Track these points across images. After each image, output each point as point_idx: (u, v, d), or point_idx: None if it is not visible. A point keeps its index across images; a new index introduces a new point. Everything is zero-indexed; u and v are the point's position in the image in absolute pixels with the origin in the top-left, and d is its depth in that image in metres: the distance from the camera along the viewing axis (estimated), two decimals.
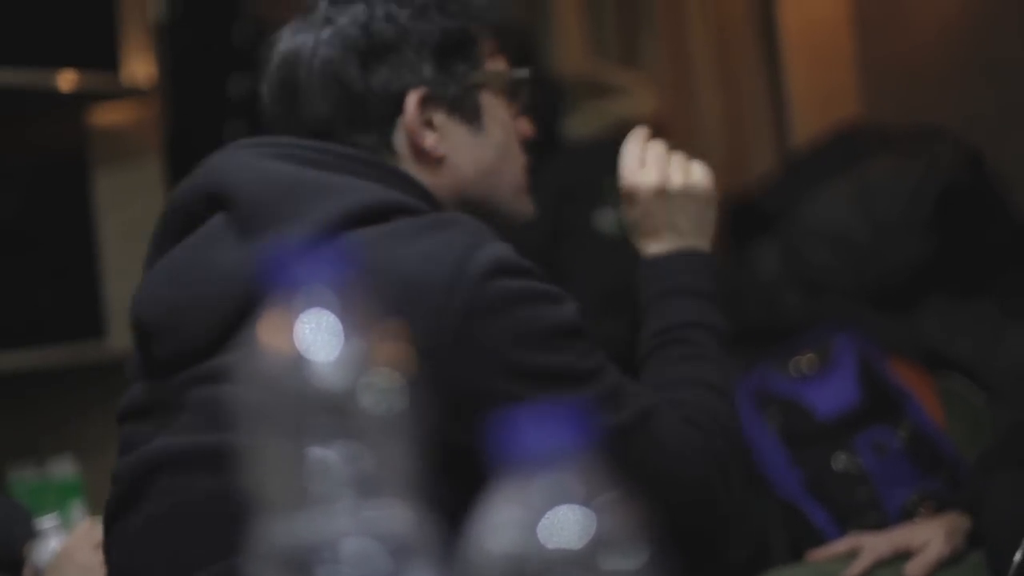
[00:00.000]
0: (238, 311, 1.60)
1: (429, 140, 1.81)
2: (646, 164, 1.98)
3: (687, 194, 1.97)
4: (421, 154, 1.81)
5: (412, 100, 1.79)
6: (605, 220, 3.63)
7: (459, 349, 1.58)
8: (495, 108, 1.88)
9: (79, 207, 3.63)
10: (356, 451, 0.82)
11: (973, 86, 4.23)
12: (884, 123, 4.17)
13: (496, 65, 1.89)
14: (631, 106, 3.90)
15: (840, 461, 3.28)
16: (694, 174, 1.99)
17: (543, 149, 3.70)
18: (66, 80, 3.45)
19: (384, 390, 0.83)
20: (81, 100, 3.62)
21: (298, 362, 0.82)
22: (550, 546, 0.78)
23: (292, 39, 1.83)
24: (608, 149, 3.75)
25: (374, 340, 0.84)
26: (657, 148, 1.99)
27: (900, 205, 3.68)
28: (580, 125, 3.77)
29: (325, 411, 0.82)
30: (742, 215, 4.08)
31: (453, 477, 1.29)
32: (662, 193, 1.96)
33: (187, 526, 1.62)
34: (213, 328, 1.64)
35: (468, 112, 1.84)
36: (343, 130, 1.80)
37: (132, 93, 3.64)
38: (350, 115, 1.80)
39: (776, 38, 4.65)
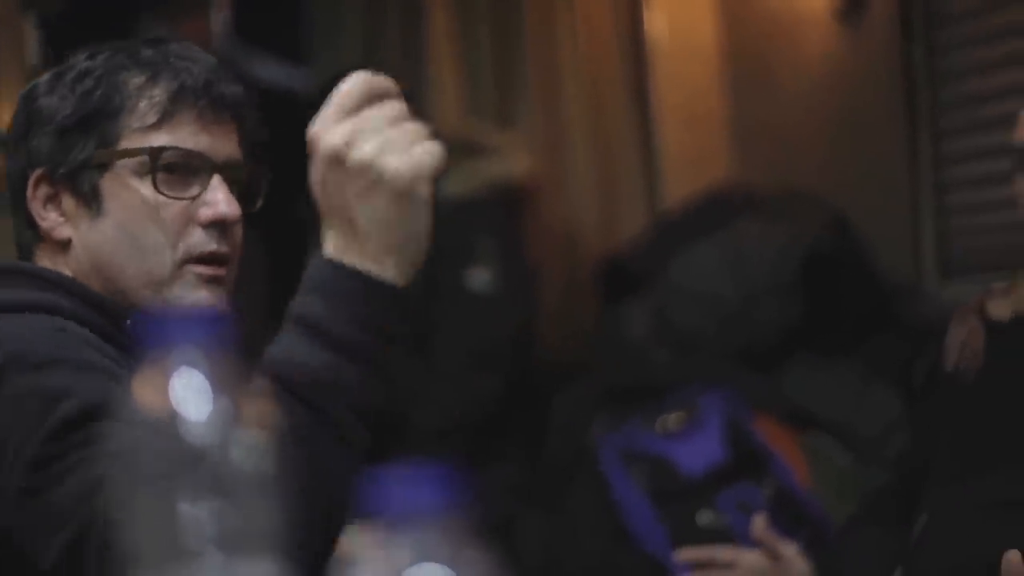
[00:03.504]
0: None
1: (46, 222, 1.71)
2: (345, 116, 1.46)
3: (373, 178, 1.44)
4: (48, 236, 1.71)
5: (31, 179, 1.70)
6: (478, 279, 3.65)
7: None
8: (126, 190, 1.68)
9: None
10: (224, 507, 0.84)
11: (839, 151, 4.30)
12: (754, 186, 4.22)
13: (140, 141, 1.68)
14: (504, 166, 3.93)
15: (705, 517, 3.32)
16: (401, 157, 1.44)
17: None
18: None
19: (252, 448, 0.85)
20: None
21: (168, 420, 0.84)
22: None
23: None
24: (481, 209, 3.80)
25: (242, 400, 0.86)
26: (383, 106, 1.48)
27: (767, 268, 3.72)
28: (454, 184, 3.79)
29: (193, 468, 0.84)
30: (613, 275, 4.12)
31: None
32: (337, 162, 1.45)
33: None
34: None
35: (86, 194, 1.69)
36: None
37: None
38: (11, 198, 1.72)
39: (649, 101, 4.70)
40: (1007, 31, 3.83)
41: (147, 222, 1.67)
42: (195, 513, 0.84)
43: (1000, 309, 2.59)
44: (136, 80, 1.69)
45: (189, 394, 0.85)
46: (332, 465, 1.42)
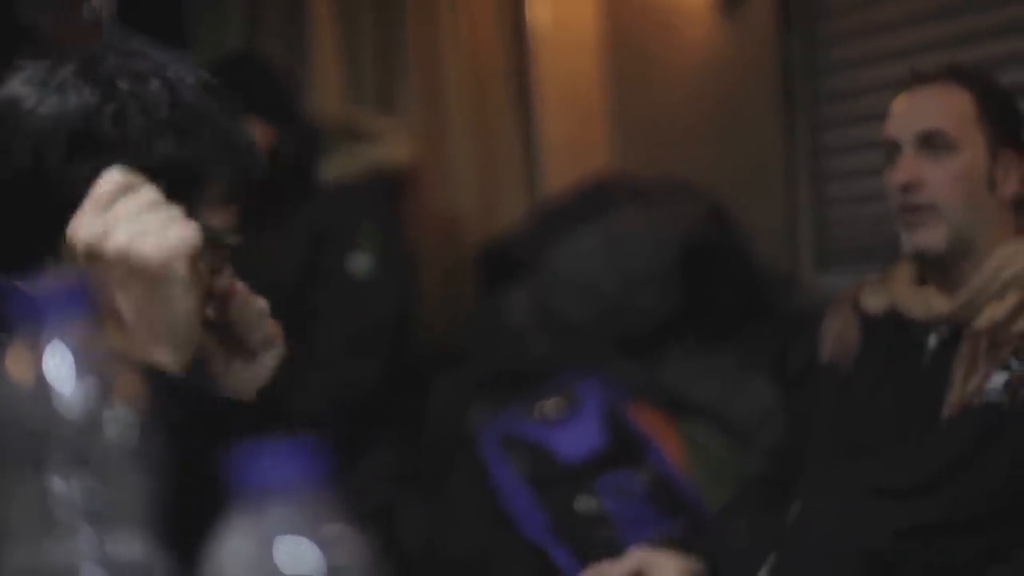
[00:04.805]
0: None
1: None
2: (100, 211, 1.42)
3: (131, 267, 1.40)
4: None
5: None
6: (358, 263, 3.63)
7: None
8: None
9: None
10: (94, 482, 0.83)
11: (718, 141, 4.34)
12: (634, 175, 4.25)
13: (214, 217, 1.58)
14: (385, 152, 3.92)
15: (583, 503, 3.34)
16: (155, 241, 1.41)
17: (298, 192, 3.70)
18: None
19: (122, 423, 0.85)
20: None
21: (38, 394, 0.83)
22: None
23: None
24: (362, 194, 3.79)
25: (113, 374, 0.85)
26: (136, 196, 1.44)
27: (646, 256, 3.75)
28: (335, 169, 3.78)
29: (64, 442, 0.83)
30: (493, 261, 4.13)
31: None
32: (94, 256, 1.41)
33: None
34: None
35: None
36: None
37: None
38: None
39: (530, 90, 4.71)
40: (885, 26, 3.88)
41: None
42: (66, 488, 0.83)
43: (873, 300, 2.62)
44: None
45: (59, 368, 0.84)
46: None
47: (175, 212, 1.43)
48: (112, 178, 1.44)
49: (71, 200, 1.46)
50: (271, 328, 1.59)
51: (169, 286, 1.40)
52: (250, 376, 1.59)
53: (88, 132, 1.50)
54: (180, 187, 1.50)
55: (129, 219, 1.41)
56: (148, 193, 1.44)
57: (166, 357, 1.41)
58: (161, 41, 1.67)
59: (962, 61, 2.77)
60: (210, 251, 1.51)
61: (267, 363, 1.59)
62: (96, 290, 1.21)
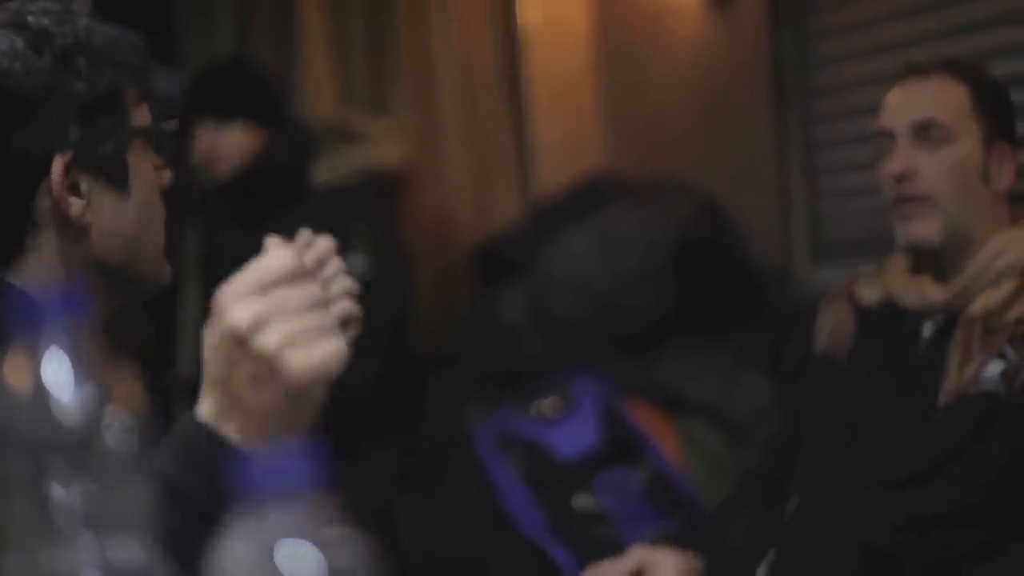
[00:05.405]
0: None
1: (75, 208, 1.61)
2: (257, 293, 1.35)
3: (271, 370, 1.33)
4: (65, 223, 1.61)
5: (58, 166, 1.58)
6: (351, 265, 3.63)
7: None
8: (141, 166, 1.66)
9: None
10: (94, 489, 0.83)
11: (711, 138, 4.34)
12: (627, 174, 4.25)
13: (141, 117, 1.66)
14: (378, 153, 3.92)
15: (580, 501, 3.34)
16: (305, 354, 1.33)
17: (291, 194, 3.70)
18: None
19: (122, 430, 0.85)
20: None
21: (38, 401, 0.83)
22: None
23: None
24: (355, 195, 3.79)
25: (112, 381, 0.86)
26: (297, 289, 1.36)
27: (640, 254, 3.75)
28: (327, 171, 3.78)
29: (64, 449, 0.83)
30: (488, 261, 4.13)
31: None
32: (239, 343, 1.34)
33: None
34: None
35: (116, 175, 1.64)
36: None
37: None
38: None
39: (522, 89, 4.71)
40: (874, 20, 3.88)
41: (157, 194, 1.69)
42: (66, 495, 0.83)
43: (869, 292, 2.63)
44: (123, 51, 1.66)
45: (58, 375, 0.85)
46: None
47: (328, 322, 1.37)
48: (281, 259, 1.37)
49: (18, 163, 1.51)
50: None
51: (304, 401, 1.37)
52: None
53: (4, 92, 1.54)
54: (102, 102, 1.57)
55: (284, 316, 1.33)
56: (310, 290, 1.37)
57: (259, 444, 1.36)
58: (151, 45, 1.68)
59: (952, 54, 2.78)
60: (155, 148, 1.61)
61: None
62: (224, 371, 1.32)
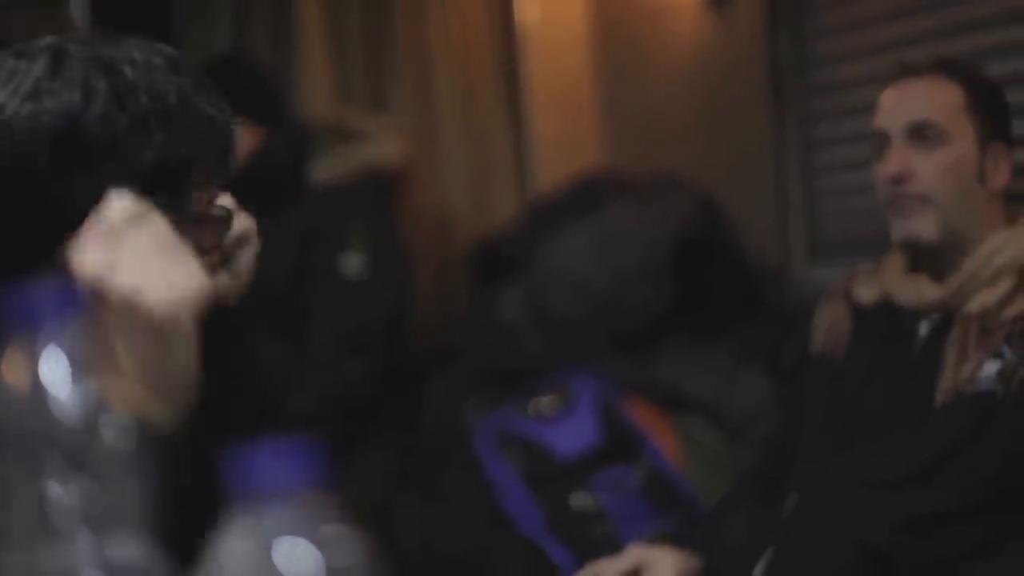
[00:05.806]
0: None
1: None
2: (105, 238, 1.35)
3: (131, 313, 1.30)
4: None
5: None
6: (350, 263, 3.63)
7: None
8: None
9: None
10: (92, 486, 0.83)
11: (709, 136, 4.34)
12: (624, 171, 4.25)
13: (200, 200, 1.53)
14: (376, 151, 3.92)
15: (579, 499, 3.34)
16: (162, 286, 1.32)
17: (289, 193, 3.70)
18: None
19: (120, 427, 0.85)
20: None
21: (35, 398, 0.84)
22: None
23: None
24: (353, 193, 3.79)
25: (110, 379, 0.86)
26: (146, 230, 1.37)
27: (638, 252, 3.75)
28: (326, 169, 3.77)
29: (61, 447, 0.83)
30: (486, 259, 4.13)
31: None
32: (99, 286, 1.32)
33: None
34: None
35: None
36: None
37: None
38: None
39: (520, 87, 4.72)
40: (871, 20, 3.89)
41: None
42: (64, 492, 0.83)
43: (866, 290, 2.63)
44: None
45: (56, 373, 0.85)
46: None
47: (185, 254, 1.36)
48: (121, 206, 1.37)
49: (69, 208, 1.39)
50: (245, 225, 1.57)
51: (171, 337, 1.33)
52: (234, 280, 1.58)
53: (73, 134, 1.43)
54: (169, 175, 1.46)
55: (137, 257, 1.33)
56: (158, 227, 1.37)
57: (160, 412, 1.31)
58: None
59: (949, 53, 2.77)
60: (206, 232, 1.49)
61: (246, 262, 1.56)
62: (96, 329, 1.15)
